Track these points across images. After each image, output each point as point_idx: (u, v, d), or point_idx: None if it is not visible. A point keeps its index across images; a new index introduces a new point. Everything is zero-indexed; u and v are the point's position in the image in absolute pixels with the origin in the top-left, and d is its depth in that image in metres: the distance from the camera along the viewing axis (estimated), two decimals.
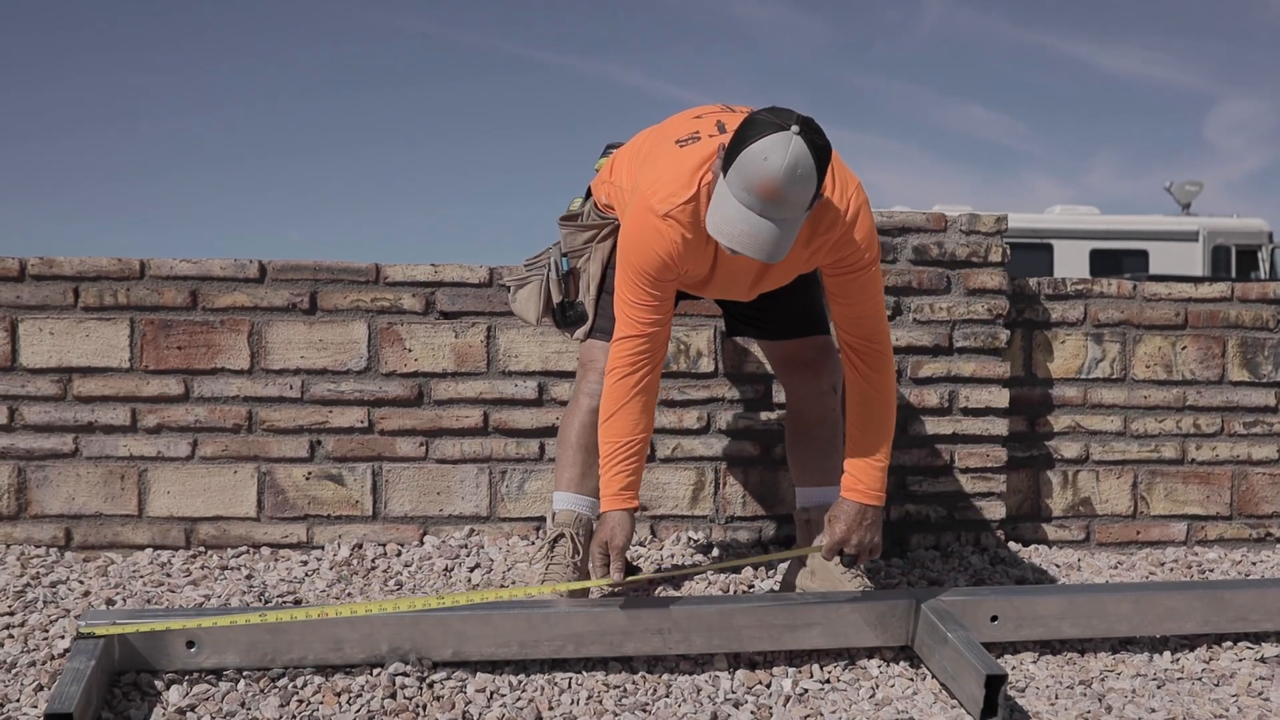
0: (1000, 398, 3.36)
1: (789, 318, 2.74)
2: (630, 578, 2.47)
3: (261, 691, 2.28)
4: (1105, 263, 14.27)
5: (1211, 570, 3.31)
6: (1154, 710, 2.35)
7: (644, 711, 2.30)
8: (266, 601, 2.78)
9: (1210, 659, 2.63)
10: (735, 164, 2.15)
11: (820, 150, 2.15)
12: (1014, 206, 15.34)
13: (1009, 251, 3.36)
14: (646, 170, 2.43)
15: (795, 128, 2.12)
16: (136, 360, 3.21)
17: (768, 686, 2.42)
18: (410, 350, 3.28)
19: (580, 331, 2.72)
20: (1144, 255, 14.47)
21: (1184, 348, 3.56)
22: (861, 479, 2.48)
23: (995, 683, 2.24)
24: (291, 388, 3.26)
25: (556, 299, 2.72)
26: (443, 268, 3.29)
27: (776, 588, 2.89)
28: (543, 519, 3.27)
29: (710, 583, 2.96)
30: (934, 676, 2.46)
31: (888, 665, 2.52)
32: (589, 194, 2.79)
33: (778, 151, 2.11)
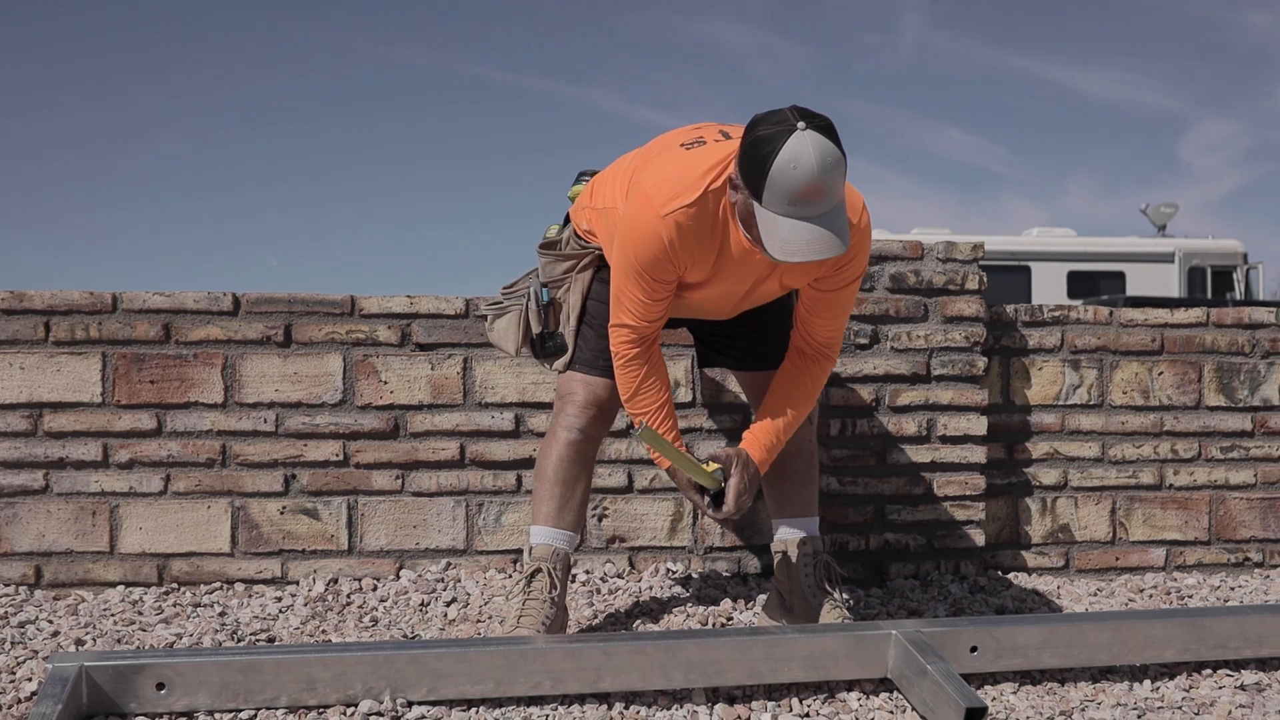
0: (978, 425, 3.35)
1: (766, 348, 2.73)
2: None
3: None
4: (1083, 284, 14.36)
5: (1191, 596, 3.31)
6: None
7: None
8: (240, 640, 2.74)
9: (1190, 687, 2.61)
10: (768, 185, 2.14)
11: (829, 130, 2.17)
12: (992, 229, 15.46)
13: (986, 279, 3.36)
14: (650, 169, 2.41)
15: (801, 124, 2.14)
16: (109, 395, 3.18)
17: None
18: (386, 382, 3.26)
19: (559, 363, 2.70)
20: (1121, 277, 14.57)
21: (1161, 373, 3.56)
22: (762, 447, 2.52)
23: (975, 716, 2.23)
24: (266, 421, 3.23)
25: (536, 330, 2.69)
26: (419, 299, 3.27)
27: (755, 620, 2.87)
28: (520, 552, 3.24)
29: (689, 615, 2.93)
30: (914, 709, 2.44)
31: (867, 698, 2.50)
32: (567, 220, 2.78)
33: (803, 153, 2.11)
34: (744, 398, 3.27)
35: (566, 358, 2.68)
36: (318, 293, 3.26)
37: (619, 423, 3.31)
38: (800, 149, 2.11)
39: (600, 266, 2.68)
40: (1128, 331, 3.55)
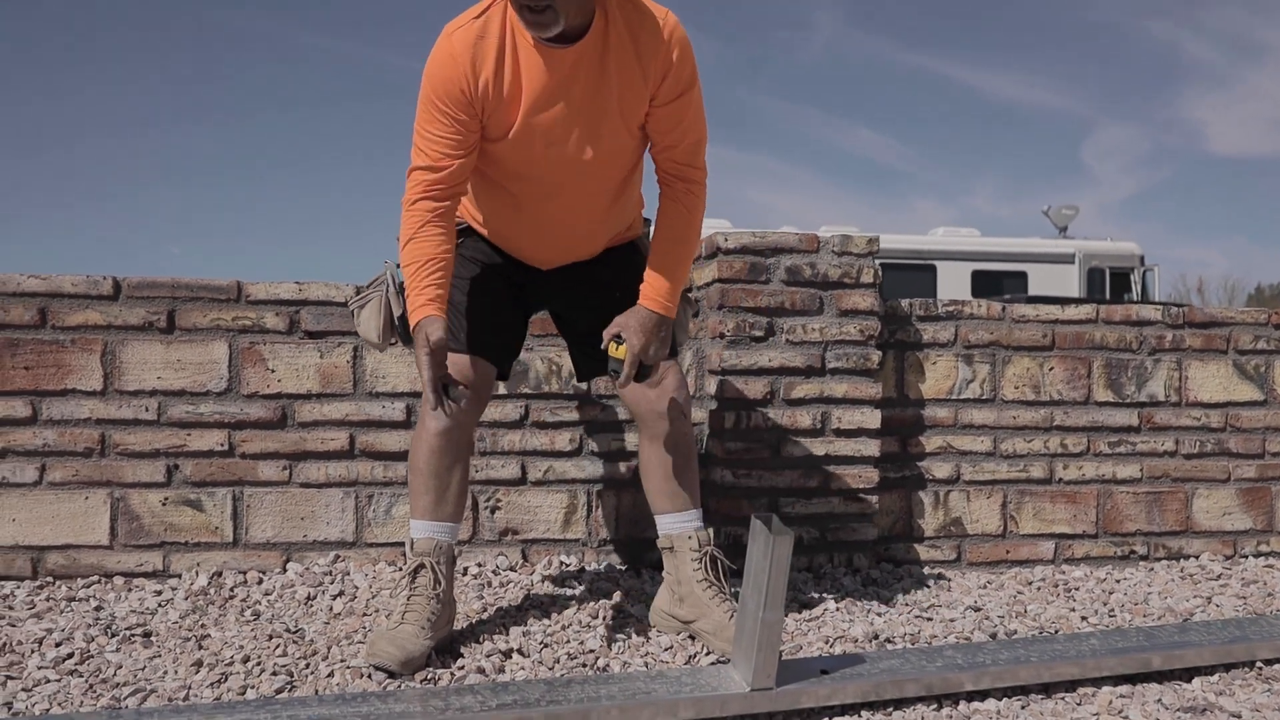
0: (872, 419, 3.37)
1: None
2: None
3: None
4: (986, 284, 14.61)
5: (1077, 588, 3.36)
6: None
7: None
8: (114, 635, 2.65)
9: (1075, 680, 2.64)
10: None
11: None
12: (899, 228, 15.73)
13: (880, 273, 3.38)
14: None
15: None
16: None
17: None
18: (273, 370, 3.18)
19: None
20: (1023, 276, 14.85)
21: (1051, 368, 3.61)
22: (659, 291, 2.52)
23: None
24: (147, 409, 3.13)
25: (397, 312, 2.62)
26: (308, 286, 3.20)
27: (647, 613, 2.85)
28: None
29: (580, 608, 2.90)
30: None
31: None
32: None
33: None
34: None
35: None
36: (203, 278, 3.17)
37: (512, 413, 3.27)
38: None
39: (458, 245, 2.64)
40: (1020, 327, 3.59)
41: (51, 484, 3.10)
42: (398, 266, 2.61)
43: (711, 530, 2.72)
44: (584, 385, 3.29)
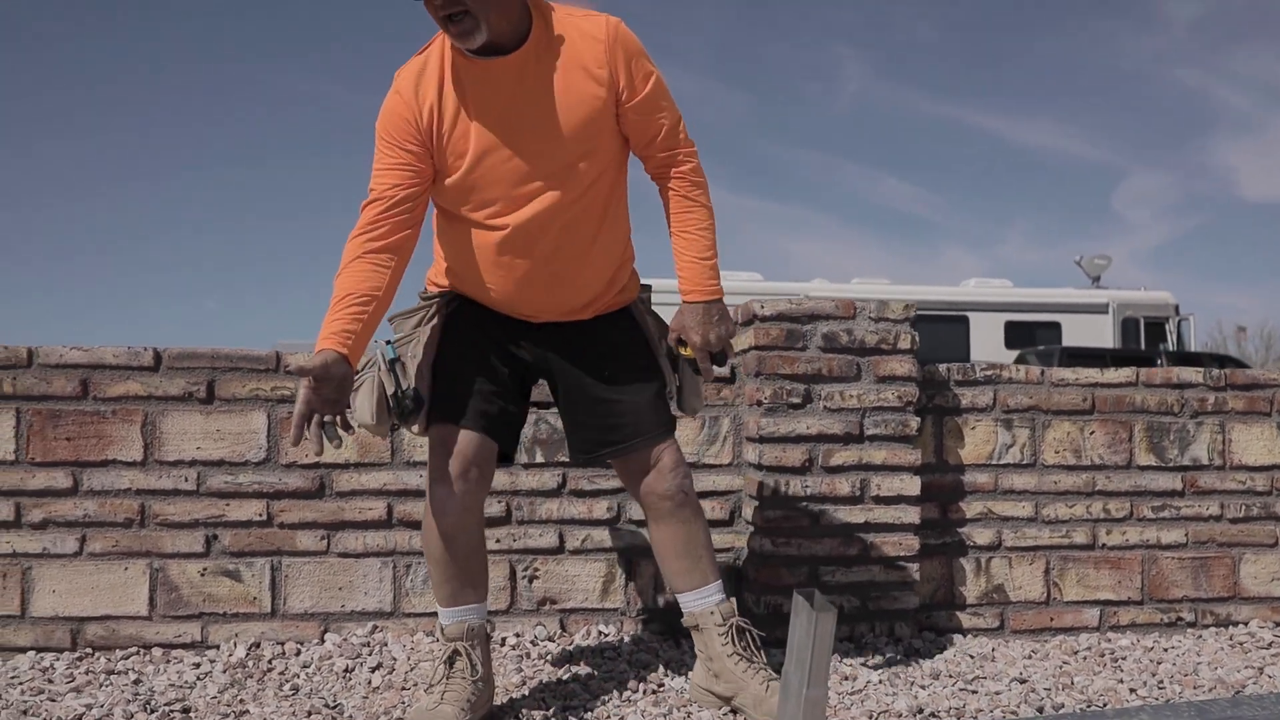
0: (912, 485, 3.34)
1: (637, 417, 2.62)
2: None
3: None
4: (1020, 334, 14.57)
5: (1124, 658, 3.30)
6: None
7: None
8: (153, 711, 2.64)
9: None
10: None
11: None
12: (931, 278, 15.74)
13: (918, 338, 3.36)
14: None
15: None
16: (22, 452, 3.08)
17: None
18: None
19: (420, 421, 2.56)
20: (1057, 327, 14.79)
21: (1092, 432, 3.58)
22: (694, 281, 2.57)
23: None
24: (187, 480, 3.14)
25: (390, 389, 2.50)
26: None
27: (687, 687, 2.82)
28: None
29: (620, 681, 2.87)
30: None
31: None
32: None
33: None
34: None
35: (425, 411, 2.55)
36: (242, 348, 3.19)
37: (550, 481, 3.26)
38: None
39: (448, 316, 2.63)
40: (1059, 391, 3.56)
41: (91, 554, 3.11)
42: (388, 344, 2.56)
43: (734, 600, 2.69)
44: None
